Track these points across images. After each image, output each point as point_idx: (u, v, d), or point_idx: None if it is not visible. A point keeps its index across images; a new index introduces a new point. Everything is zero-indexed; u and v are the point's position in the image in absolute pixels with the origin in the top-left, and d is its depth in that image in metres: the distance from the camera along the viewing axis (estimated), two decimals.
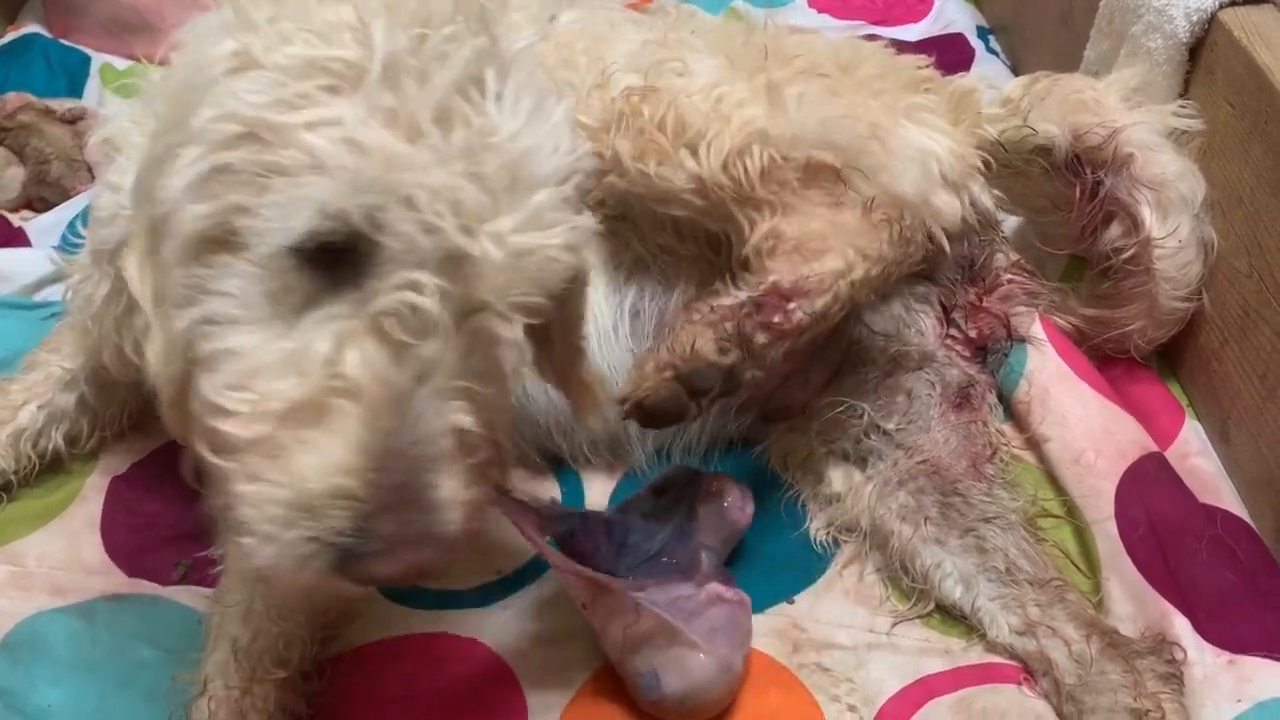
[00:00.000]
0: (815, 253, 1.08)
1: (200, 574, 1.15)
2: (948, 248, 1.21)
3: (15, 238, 1.59)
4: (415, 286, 0.68)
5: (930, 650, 1.10)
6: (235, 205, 0.70)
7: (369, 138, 0.67)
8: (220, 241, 0.71)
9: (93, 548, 1.21)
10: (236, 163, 0.69)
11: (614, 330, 1.25)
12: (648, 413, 1.01)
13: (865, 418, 1.21)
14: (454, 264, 0.70)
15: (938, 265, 1.25)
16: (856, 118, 1.14)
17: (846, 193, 1.13)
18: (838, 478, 1.22)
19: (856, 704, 1.05)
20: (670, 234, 1.22)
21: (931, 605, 1.12)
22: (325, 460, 0.68)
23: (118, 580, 1.18)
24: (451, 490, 0.71)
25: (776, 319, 1.03)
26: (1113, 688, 0.98)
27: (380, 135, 0.68)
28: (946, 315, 1.27)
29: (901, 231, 1.11)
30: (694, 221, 1.18)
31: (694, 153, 1.11)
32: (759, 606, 1.14)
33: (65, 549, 1.20)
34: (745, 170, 1.10)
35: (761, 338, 1.03)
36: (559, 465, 1.29)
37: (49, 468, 1.27)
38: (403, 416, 0.69)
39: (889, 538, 1.16)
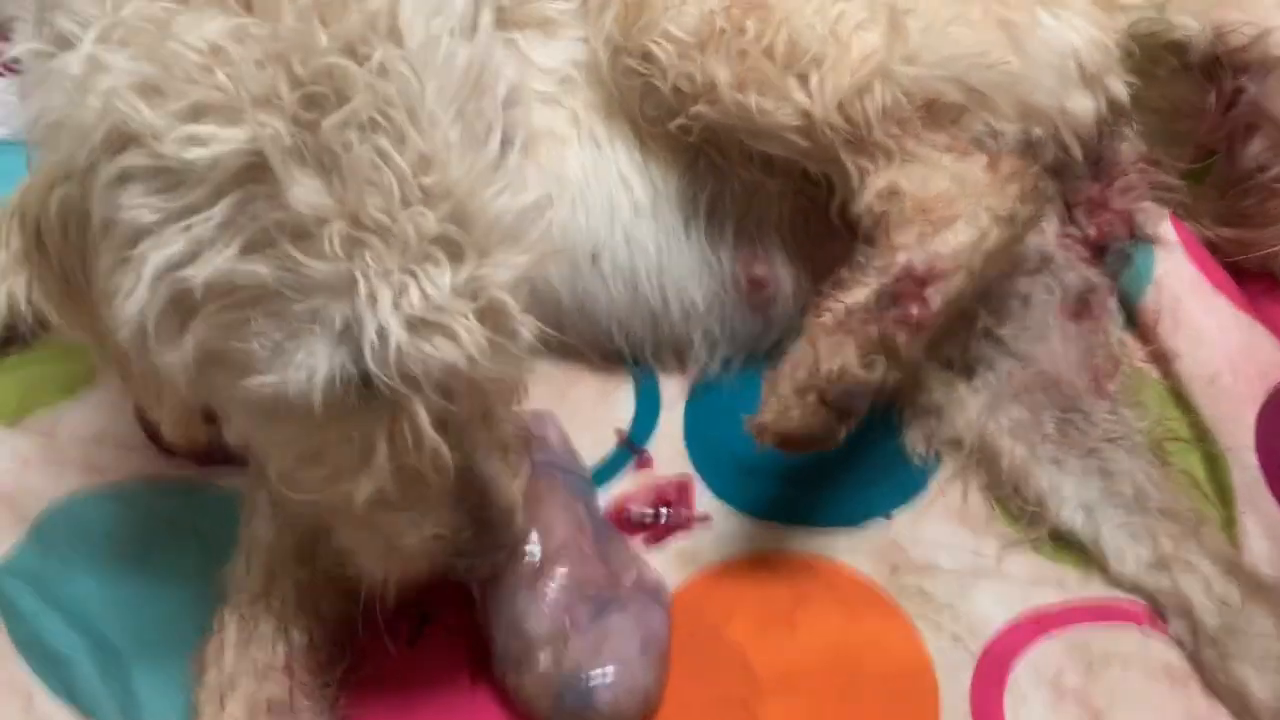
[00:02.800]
0: (944, 220, 0.95)
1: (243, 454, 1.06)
2: (1079, 153, 1.09)
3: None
4: (412, 415, 0.71)
5: (1042, 580, 1.01)
6: (211, 339, 0.69)
7: (309, 259, 0.65)
8: (212, 361, 0.71)
9: (127, 423, 1.11)
10: (192, 301, 0.67)
11: (685, 229, 1.12)
12: (792, 443, 0.90)
13: (977, 323, 1.10)
14: (443, 378, 0.71)
15: (1064, 163, 1.12)
16: (986, 41, 1.01)
17: (972, 137, 1.01)
18: (939, 387, 1.11)
19: (961, 634, 0.97)
20: (758, 169, 1.09)
21: (1045, 531, 1.04)
22: (412, 520, 0.79)
23: (156, 460, 1.08)
24: (508, 500, 0.81)
25: (915, 310, 0.91)
26: (1263, 634, 0.90)
27: (319, 250, 0.65)
28: (1069, 212, 1.15)
29: (1034, 185, 0.99)
30: (790, 160, 1.05)
31: (804, 83, 0.97)
32: (853, 519, 1.06)
33: (97, 422, 1.11)
34: (864, 111, 0.97)
35: (903, 337, 0.90)
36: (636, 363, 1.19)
37: None
38: (462, 475, 0.77)
39: (998, 456, 1.07)
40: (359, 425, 0.72)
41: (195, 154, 0.63)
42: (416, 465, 0.74)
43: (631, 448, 1.13)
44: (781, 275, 1.13)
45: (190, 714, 0.89)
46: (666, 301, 1.13)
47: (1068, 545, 1.03)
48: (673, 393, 1.17)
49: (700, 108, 1.01)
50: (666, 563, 1.03)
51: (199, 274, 0.65)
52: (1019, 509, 1.05)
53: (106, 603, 0.98)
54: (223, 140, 0.63)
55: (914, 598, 1.00)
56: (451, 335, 0.68)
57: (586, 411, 1.15)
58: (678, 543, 1.05)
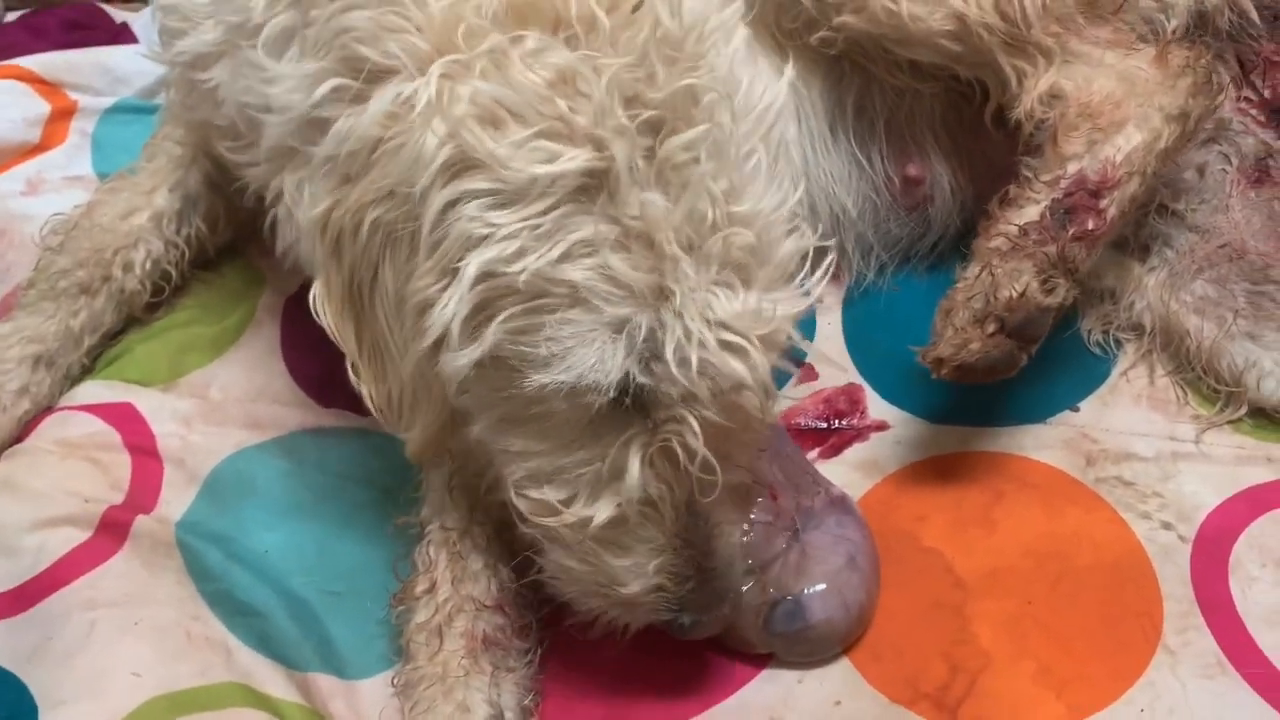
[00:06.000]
0: (1112, 124, 0.91)
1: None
2: (1255, 15, 1.03)
3: (121, 34, 1.42)
4: (689, 428, 0.73)
5: (1249, 459, 0.97)
6: (503, 341, 0.71)
7: (626, 268, 0.69)
8: (492, 364, 0.73)
9: (279, 376, 1.10)
10: (497, 305, 0.71)
11: (831, 132, 1.08)
12: (973, 374, 0.87)
13: (1151, 200, 1.05)
14: (726, 393, 0.73)
15: (1239, 25, 1.05)
16: None
17: (1139, 22, 0.96)
18: (1111, 270, 1.06)
19: (1171, 520, 0.94)
20: (906, 75, 1.04)
21: (1243, 409, 1.00)
22: (637, 565, 0.78)
23: (315, 412, 1.07)
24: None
25: (1091, 225, 0.87)
26: None
27: (637, 261, 0.69)
28: (1243, 74, 1.08)
29: (1207, 77, 0.94)
30: (941, 65, 1.00)
31: None
32: (1038, 415, 1.02)
33: (249, 378, 1.09)
34: (1022, 8, 0.92)
35: (1080, 253, 0.86)
36: None
37: (210, 281, 1.17)
38: (692, 516, 0.78)
39: (1185, 336, 1.02)
40: (615, 442, 0.74)
41: (541, 170, 0.68)
42: (668, 487, 0.75)
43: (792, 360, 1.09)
44: (938, 171, 1.08)
45: (396, 655, 0.88)
46: (815, 210, 1.09)
47: (1270, 421, 0.99)
48: (827, 300, 1.13)
49: (846, 18, 0.97)
50: (847, 473, 1.00)
51: (518, 275, 0.69)
52: (1212, 389, 1.01)
53: (289, 555, 0.97)
54: (568, 158, 0.68)
55: (1115, 487, 0.96)
56: (742, 353, 0.71)
57: None
58: (856, 452, 1.02)
